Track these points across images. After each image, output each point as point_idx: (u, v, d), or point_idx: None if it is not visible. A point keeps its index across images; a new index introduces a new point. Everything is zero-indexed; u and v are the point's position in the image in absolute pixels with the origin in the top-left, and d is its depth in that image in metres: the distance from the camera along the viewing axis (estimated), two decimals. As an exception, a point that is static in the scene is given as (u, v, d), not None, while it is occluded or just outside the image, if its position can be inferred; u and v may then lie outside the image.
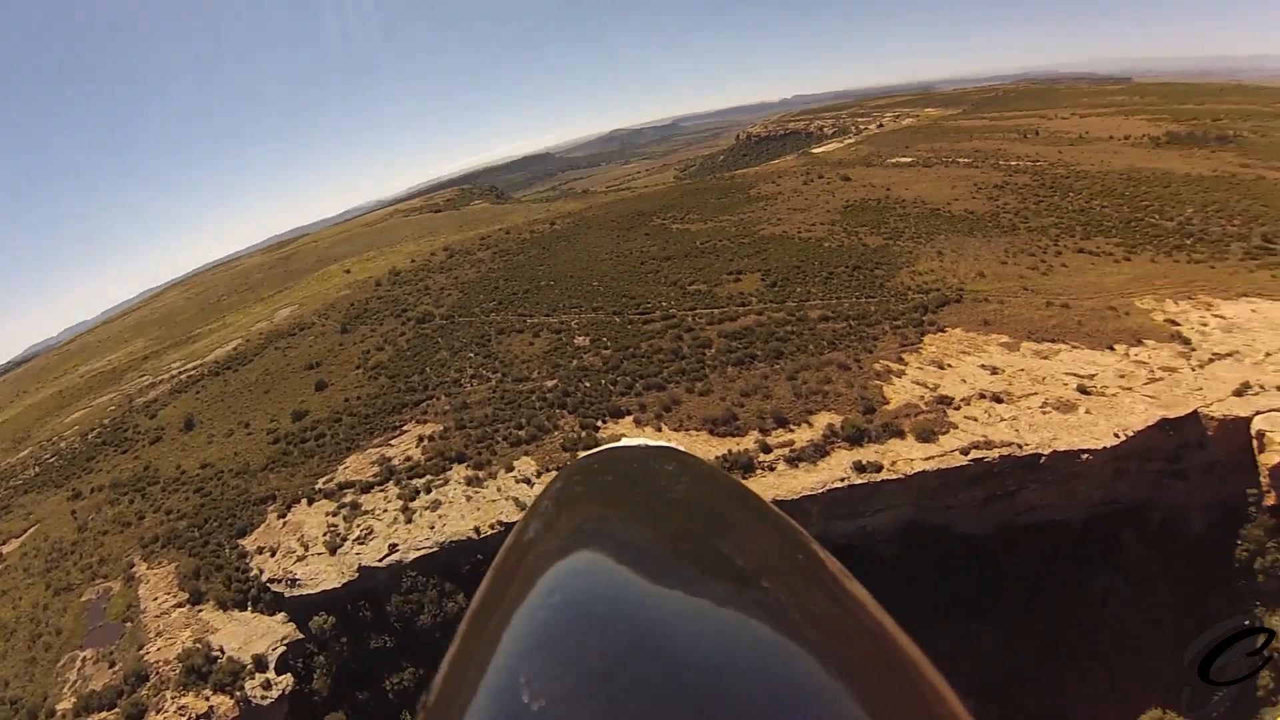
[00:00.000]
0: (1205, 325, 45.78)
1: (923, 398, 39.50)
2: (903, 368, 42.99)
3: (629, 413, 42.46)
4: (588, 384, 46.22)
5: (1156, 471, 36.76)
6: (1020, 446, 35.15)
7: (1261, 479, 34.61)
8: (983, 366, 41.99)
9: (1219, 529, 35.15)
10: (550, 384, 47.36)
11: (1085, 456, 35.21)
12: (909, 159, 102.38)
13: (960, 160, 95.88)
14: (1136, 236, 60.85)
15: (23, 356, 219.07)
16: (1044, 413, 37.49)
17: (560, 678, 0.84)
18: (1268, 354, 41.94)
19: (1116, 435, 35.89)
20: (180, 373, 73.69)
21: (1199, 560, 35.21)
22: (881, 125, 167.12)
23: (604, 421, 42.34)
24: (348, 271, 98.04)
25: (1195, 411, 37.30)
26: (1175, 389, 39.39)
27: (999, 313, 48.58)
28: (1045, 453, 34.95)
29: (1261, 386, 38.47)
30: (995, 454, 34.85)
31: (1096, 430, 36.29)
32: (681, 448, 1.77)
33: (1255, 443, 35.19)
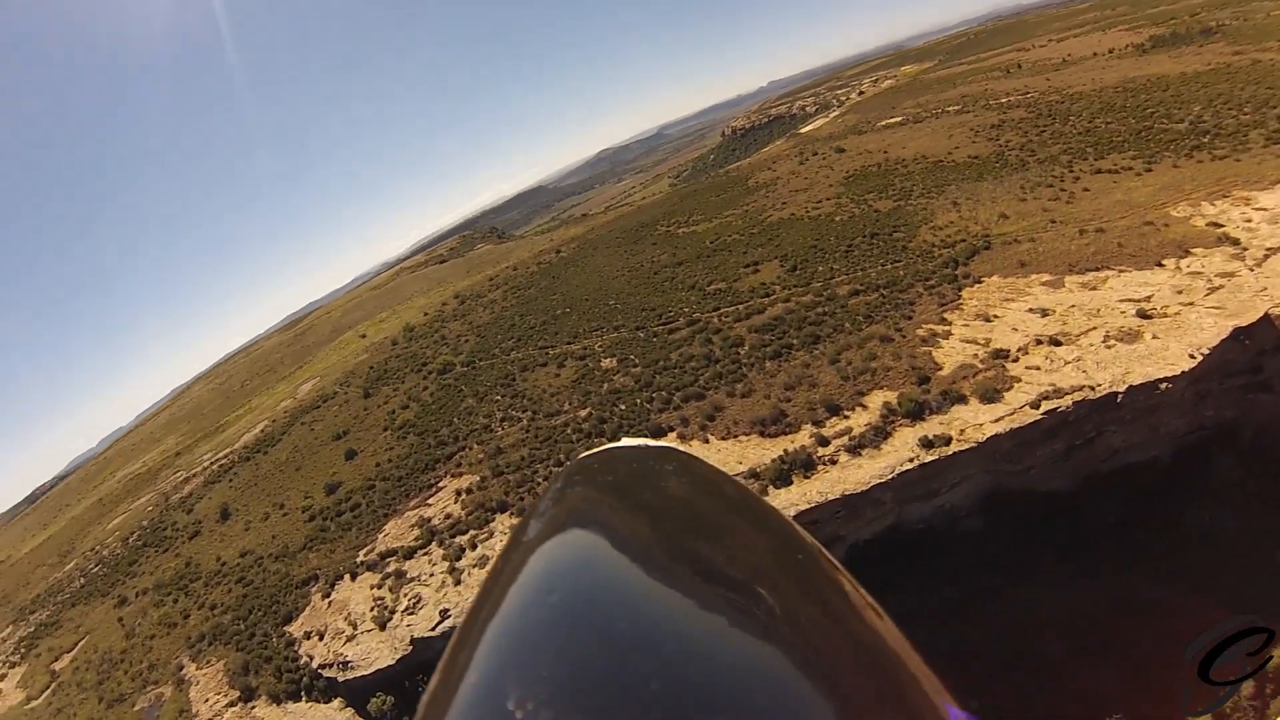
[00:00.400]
0: (1249, 221, 43.69)
1: (976, 355, 37.32)
2: (948, 328, 40.80)
3: (671, 429, 40.42)
4: (623, 407, 44.36)
5: (1240, 387, 34.41)
6: (1093, 389, 32.86)
7: None
8: (1031, 310, 39.78)
9: None
10: (584, 413, 45.60)
11: (1164, 386, 32.89)
12: (898, 118, 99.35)
13: (950, 109, 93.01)
14: (1151, 146, 58.62)
15: (65, 471, 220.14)
16: (1108, 347, 35.22)
17: (558, 677, 0.84)
18: None
19: (1192, 356, 33.53)
20: (212, 463, 73.31)
21: None
22: (862, 92, 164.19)
23: (646, 443, 40.47)
24: (363, 336, 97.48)
25: (1266, 314, 35.07)
26: (1239, 294, 37.14)
27: (1033, 251, 46.31)
28: (1121, 390, 32.62)
29: None
30: (1068, 401, 32.60)
31: (1169, 354, 34.01)
32: (681, 447, 1.75)
33: None
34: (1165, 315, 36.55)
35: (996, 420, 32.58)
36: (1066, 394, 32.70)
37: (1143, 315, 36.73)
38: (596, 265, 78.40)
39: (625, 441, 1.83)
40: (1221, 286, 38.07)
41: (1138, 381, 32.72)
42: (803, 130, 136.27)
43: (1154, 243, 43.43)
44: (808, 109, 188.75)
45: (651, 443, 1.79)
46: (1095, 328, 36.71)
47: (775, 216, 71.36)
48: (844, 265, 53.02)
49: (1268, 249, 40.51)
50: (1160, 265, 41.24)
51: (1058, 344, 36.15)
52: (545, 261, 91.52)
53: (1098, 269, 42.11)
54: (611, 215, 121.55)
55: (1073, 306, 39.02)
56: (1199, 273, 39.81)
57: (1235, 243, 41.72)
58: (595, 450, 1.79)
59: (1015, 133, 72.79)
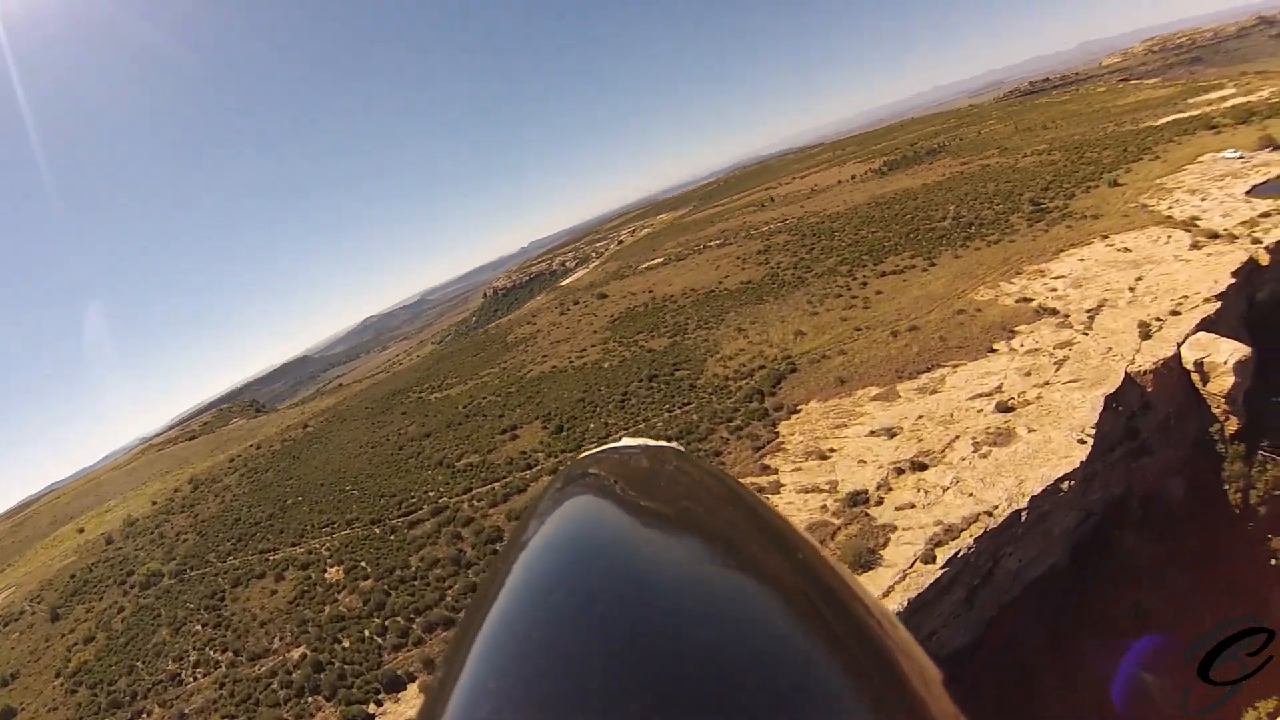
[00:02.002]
0: (1055, 290, 42.50)
1: (826, 507, 28.52)
2: (775, 477, 32.16)
3: (411, 678, 29.44)
4: (346, 643, 32.75)
5: (1122, 458, 30.58)
6: (990, 513, 25.00)
7: (1216, 410, 32.77)
8: (873, 433, 32.33)
9: (1199, 481, 32.11)
10: (297, 654, 33.78)
11: (1067, 484, 25.83)
12: (660, 259, 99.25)
13: (712, 244, 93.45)
14: (925, 244, 59.14)
15: None
16: (984, 456, 28.04)
17: (558, 677, 0.86)
18: (1131, 288, 39.49)
19: (1082, 441, 27.54)
20: None
21: (1199, 526, 30.88)
22: (621, 241, 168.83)
23: (377, 703, 29.49)
24: (81, 530, 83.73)
25: (1127, 375, 31.76)
26: (1088, 361, 33.67)
27: (848, 364, 40.47)
28: (1023, 505, 25.06)
29: (1157, 319, 35.43)
30: (967, 539, 24.33)
31: (1054, 446, 27.70)
32: (682, 448, 1.81)
33: (1195, 375, 32.91)
34: (1028, 403, 30.82)
35: (884, 595, 23.00)
36: (961, 530, 24.41)
37: (1004, 409, 30.65)
38: (340, 441, 72.02)
39: (625, 441, 1.84)
40: (1067, 358, 34.15)
41: (1038, 489, 25.53)
42: (564, 283, 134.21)
43: (976, 329, 39.17)
44: (568, 264, 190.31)
45: (651, 443, 1.80)
46: (958, 437, 29.72)
47: (536, 371, 65.96)
48: (621, 417, 45.47)
49: (1088, 310, 38.41)
50: (993, 350, 36.87)
51: (923, 468, 28.45)
52: (290, 439, 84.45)
53: (929, 369, 36.54)
54: (366, 383, 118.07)
55: (920, 418, 32.12)
56: (1036, 349, 35.58)
57: (1054, 312, 39.50)
58: (595, 450, 1.79)
59: (784, 254, 72.14)
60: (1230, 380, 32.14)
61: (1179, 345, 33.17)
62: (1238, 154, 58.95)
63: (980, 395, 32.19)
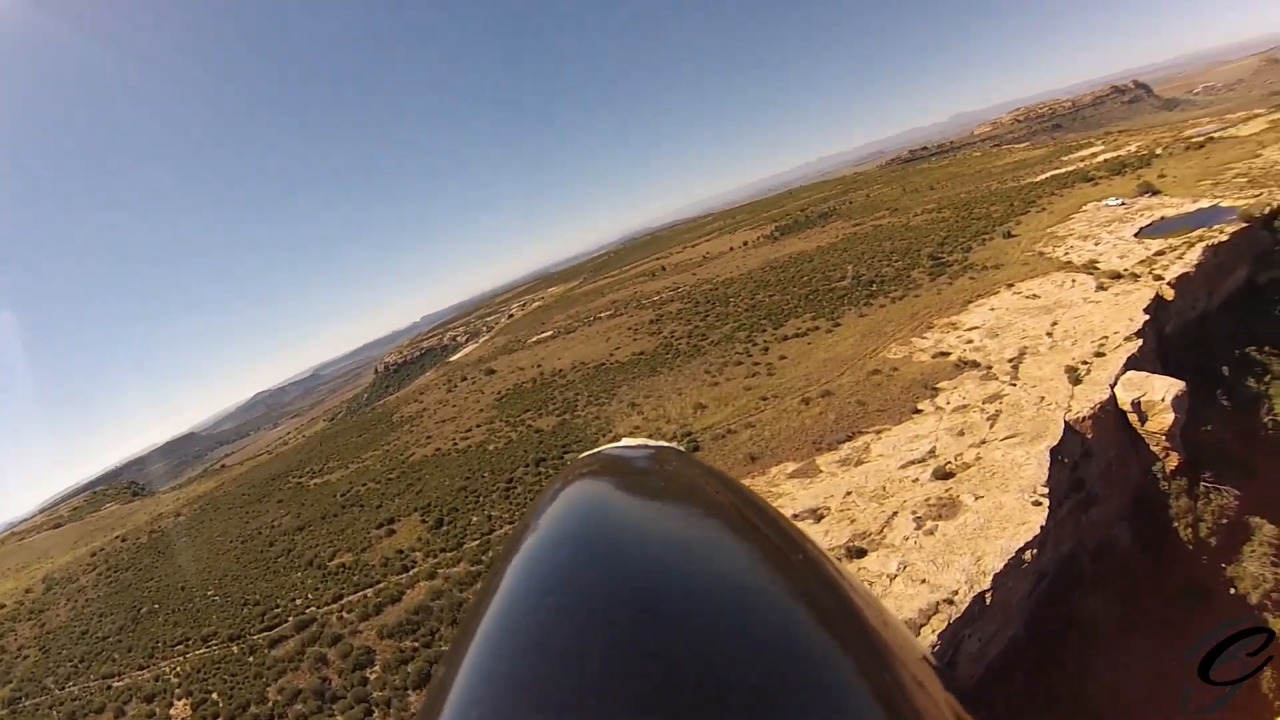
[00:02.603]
0: (971, 342, 40.76)
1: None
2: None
3: None
4: None
5: (1071, 512, 28.08)
6: (950, 600, 21.00)
7: (1156, 448, 31.61)
8: (796, 517, 28.12)
9: (1147, 524, 30.62)
10: None
11: (1029, 554, 22.29)
12: (549, 332, 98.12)
13: (602, 315, 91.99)
14: (826, 305, 57.83)
15: None
16: (930, 533, 24.35)
17: (557, 678, 0.87)
18: (1049, 333, 38.27)
19: (1037, 503, 24.23)
20: None
21: (1154, 579, 28.82)
22: (512, 315, 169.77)
23: None
24: None
25: (1066, 424, 29.32)
26: (1023, 414, 31.35)
27: (758, 437, 36.89)
28: (986, 586, 21.30)
29: (1083, 363, 33.79)
30: (929, 636, 20.13)
31: (1007, 513, 24.39)
32: (682, 448, 1.81)
33: (1133, 416, 31.45)
34: (967, 466, 27.82)
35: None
36: (921, 626, 20.20)
37: (943, 475, 27.63)
38: (211, 535, 66.81)
39: (625, 441, 1.84)
40: (999, 412, 32.00)
41: (999, 565, 22.01)
42: (453, 359, 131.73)
43: (895, 389, 36.63)
44: (459, 339, 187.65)
45: (651, 442, 1.80)
46: (896, 513, 26.07)
47: (419, 455, 62.30)
48: (505, 509, 41.92)
49: (1010, 360, 36.47)
50: (918, 411, 34.35)
51: (861, 554, 24.51)
52: (159, 529, 78.42)
53: (850, 437, 33.30)
54: (247, 465, 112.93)
55: (849, 494, 28.45)
56: (965, 405, 33.20)
57: (975, 364, 37.40)
58: (595, 450, 1.79)
59: (677, 323, 69.98)
60: (1170, 417, 30.76)
61: (1112, 387, 31.45)
62: (1119, 201, 61.54)
63: (913, 462, 28.85)
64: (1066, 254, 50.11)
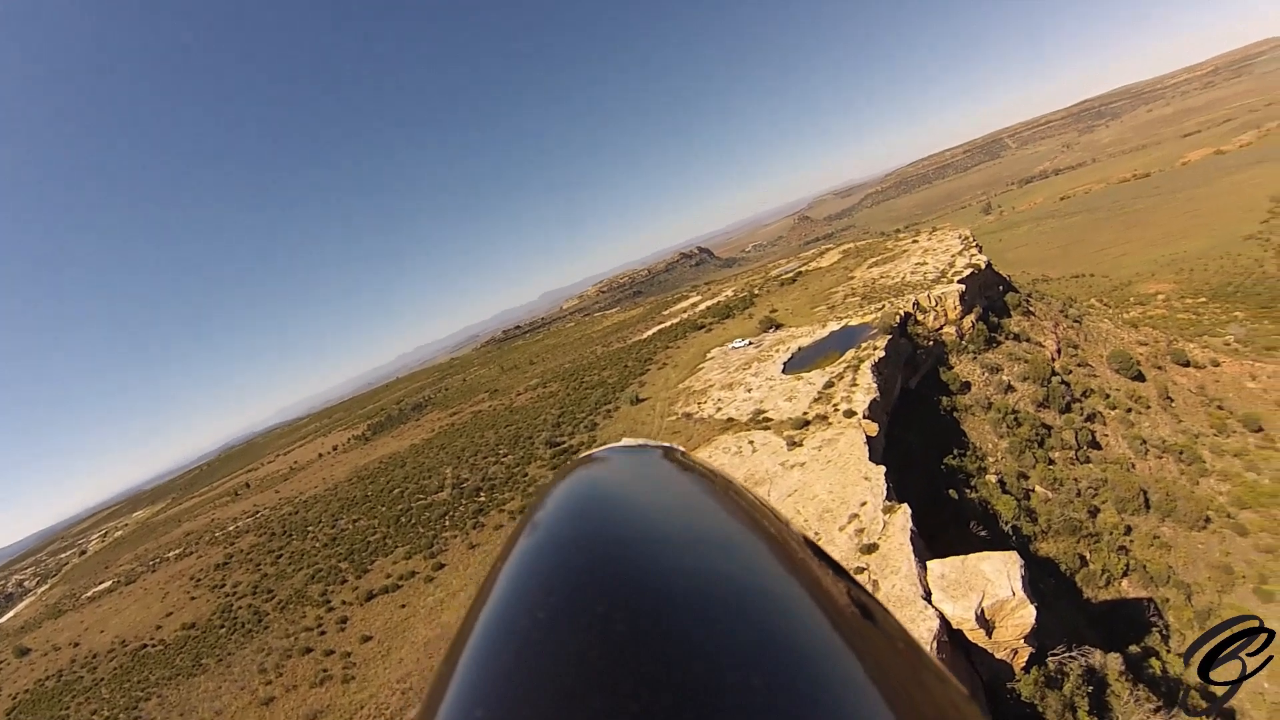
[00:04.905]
0: None
1: None
2: None
3: None
4: None
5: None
6: None
7: (1001, 655, 23.55)
8: None
9: None
10: None
11: None
12: (109, 581, 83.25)
13: (171, 555, 79.56)
14: (422, 530, 42.98)
15: None
16: None
17: (556, 677, 0.78)
18: None
19: None
20: None
21: None
22: (85, 552, 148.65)
23: None
24: None
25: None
26: None
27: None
28: None
29: (857, 570, 23.84)
30: None
31: None
32: (683, 448, 1.74)
33: (977, 634, 22.77)
34: None
35: None
36: None
37: None
38: None
39: (626, 441, 1.83)
40: None
41: None
42: (1, 621, 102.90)
43: None
44: (25, 583, 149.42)
45: (651, 442, 1.78)
46: None
47: None
48: None
49: None
50: None
51: None
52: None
53: None
54: None
55: None
56: None
57: None
58: (595, 450, 1.73)
59: (245, 569, 56.58)
60: (1029, 612, 22.22)
61: (928, 599, 20.45)
62: (746, 341, 57.81)
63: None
64: (719, 410, 41.00)
